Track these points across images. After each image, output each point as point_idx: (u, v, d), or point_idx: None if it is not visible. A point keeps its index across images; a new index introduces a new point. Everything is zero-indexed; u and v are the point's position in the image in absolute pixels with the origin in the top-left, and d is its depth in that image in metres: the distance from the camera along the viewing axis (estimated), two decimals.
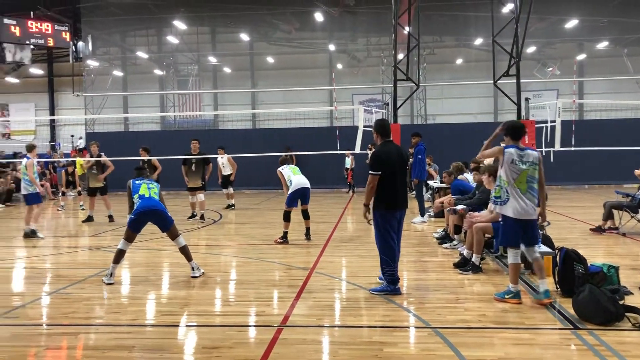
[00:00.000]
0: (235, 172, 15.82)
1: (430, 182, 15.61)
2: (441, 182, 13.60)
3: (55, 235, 11.76)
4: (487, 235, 7.60)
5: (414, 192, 13.51)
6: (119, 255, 7.13)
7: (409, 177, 12.59)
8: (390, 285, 6.29)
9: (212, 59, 30.50)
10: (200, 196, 13.35)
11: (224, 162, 15.87)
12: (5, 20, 21.33)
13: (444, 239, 9.54)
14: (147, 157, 13.36)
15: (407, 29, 15.45)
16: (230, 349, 4.65)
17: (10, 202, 18.97)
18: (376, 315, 5.59)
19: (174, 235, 7.31)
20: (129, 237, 7.16)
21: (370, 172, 6.18)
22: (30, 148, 11.74)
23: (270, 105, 29.03)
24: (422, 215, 12.44)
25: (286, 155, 10.94)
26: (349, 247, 9.39)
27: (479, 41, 25.86)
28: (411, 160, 12.59)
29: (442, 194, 12.71)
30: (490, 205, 6.80)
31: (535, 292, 5.98)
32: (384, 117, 15.43)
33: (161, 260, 8.77)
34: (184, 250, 7.35)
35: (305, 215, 10.21)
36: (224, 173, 16.04)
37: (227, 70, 30.56)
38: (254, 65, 30.46)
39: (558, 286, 6.19)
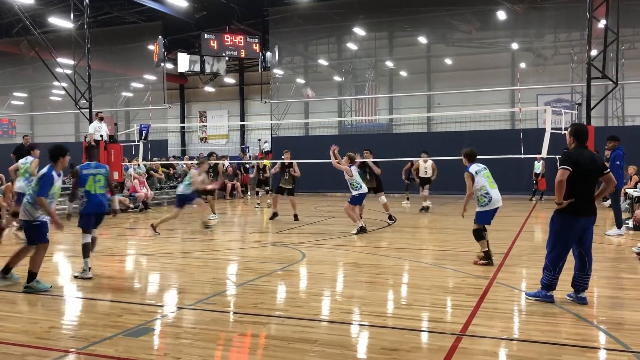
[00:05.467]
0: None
1: (629, 191, 14.00)
2: None
3: (244, 231, 12.78)
4: None
5: (609, 201, 12.23)
6: (86, 249, 7.45)
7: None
8: (543, 290, 6.10)
9: (389, 64, 30.82)
10: (382, 198, 13.47)
11: (427, 167, 16.14)
12: (206, 36, 23.86)
13: None
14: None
15: (603, 22, 14.07)
16: (409, 353, 4.62)
17: None
18: (563, 332, 5.18)
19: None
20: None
21: (559, 166, 5.87)
22: None
23: (446, 107, 28.47)
24: (619, 227, 11.18)
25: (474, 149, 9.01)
26: (533, 258, 8.76)
27: None
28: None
29: None
30: None
31: None
32: (576, 119, 14.28)
33: (337, 259, 9.06)
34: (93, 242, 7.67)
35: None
36: (424, 176, 16.25)
37: (403, 74, 30.66)
38: (430, 67, 30.14)
39: None
